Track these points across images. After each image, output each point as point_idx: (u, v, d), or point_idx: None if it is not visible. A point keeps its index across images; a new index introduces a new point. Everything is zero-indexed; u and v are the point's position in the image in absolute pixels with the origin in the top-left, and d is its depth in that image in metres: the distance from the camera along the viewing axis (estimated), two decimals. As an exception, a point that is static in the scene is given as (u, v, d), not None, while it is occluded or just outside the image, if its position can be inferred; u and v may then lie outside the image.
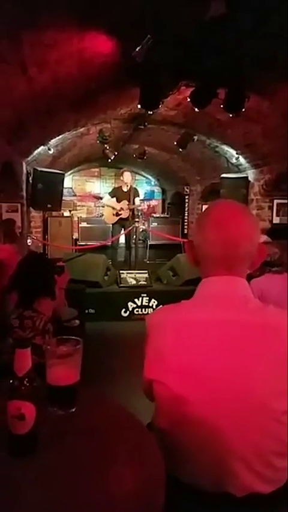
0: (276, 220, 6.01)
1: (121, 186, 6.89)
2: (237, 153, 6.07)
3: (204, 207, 8.13)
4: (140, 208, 7.18)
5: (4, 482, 0.86)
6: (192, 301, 1.08)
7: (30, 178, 6.00)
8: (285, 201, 5.95)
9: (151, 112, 4.27)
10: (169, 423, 1.01)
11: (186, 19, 2.79)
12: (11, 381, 0.92)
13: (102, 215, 8.79)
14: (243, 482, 0.95)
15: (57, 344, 1.18)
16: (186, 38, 3.03)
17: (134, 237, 6.95)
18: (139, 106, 4.07)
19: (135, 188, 6.93)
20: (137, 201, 6.85)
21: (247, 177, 6.23)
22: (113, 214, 6.84)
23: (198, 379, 0.96)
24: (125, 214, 6.77)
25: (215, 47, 3.21)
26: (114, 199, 6.80)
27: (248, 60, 3.38)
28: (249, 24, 2.88)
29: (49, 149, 5.65)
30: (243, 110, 3.98)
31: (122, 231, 6.94)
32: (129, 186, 6.79)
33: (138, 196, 6.96)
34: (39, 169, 6.07)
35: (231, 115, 4.14)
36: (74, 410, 1.12)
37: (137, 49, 2.91)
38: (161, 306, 5.29)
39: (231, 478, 0.95)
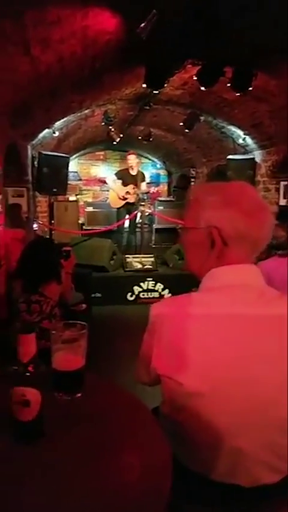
0: (282, 202, 5.90)
1: (128, 169, 6.80)
2: (244, 134, 5.93)
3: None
4: (149, 191, 7.12)
5: (10, 469, 0.86)
6: (205, 293, 1.01)
7: (36, 162, 5.94)
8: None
9: (156, 92, 4.17)
10: (181, 416, 0.98)
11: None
12: (15, 367, 0.91)
13: (107, 199, 8.74)
14: (254, 476, 0.95)
15: (63, 328, 1.17)
16: (192, 14, 2.92)
17: (140, 220, 6.90)
18: (144, 85, 3.98)
19: (141, 173, 6.85)
20: (144, 185, 6.77)
21: (254, 158, 6.10)
22: (119, 198, 6.77)
23: (214, 376, 0.92)
24: (131, 198, 6.70)
25: (221, 23, 3.10)
26: (120, 182, 6.71)
27: (255, 37, 3.26)
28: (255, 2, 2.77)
29: (54, 132, 5.56)
30: (251, 88, 3.86)
31: (128, 216, 6.89)
32: (136, 170, 6.70)
33: (144, 180, 6.88)
34: (44, 152, 6.00)
35: (238, 94, 4.03)
36: (80, 395, 1.12)
37: (141, 25, 2.81)
38: (168, 294, 5.29)
39: (243, 472, 0.95)
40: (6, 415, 0.92)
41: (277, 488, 0.96)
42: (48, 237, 7.21)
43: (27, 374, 0.90)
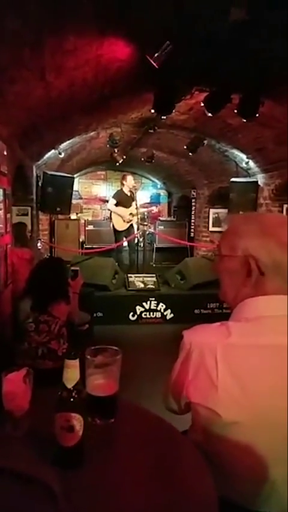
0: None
1: (123, 191, 6.94)
2: (247, 157, 6.07)
3: (212, 210, 8.12)
4: (151, 210, 7.22)
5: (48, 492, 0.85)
6: (244, 323, 1.00)
7: (40, 182, 6.02)
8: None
9: (164, 117, 4.28)
10: (216, 445, 0.98)
11: (205, 24, 2.80)
12: (59, 392, 0.92)
13: (109, 218, 8.83)
14: (285, 504, 0.95)
15: (95, 353, 1.18)
16: (204, 44, 3.03)
17: (142, 239, 6.97)
18: (152, 111, 4.08)
19: (132, 192, 6.98)
20: (134, 204, 6.90)
21: (257, 181, 6.23)
22: (124, 222, 6.88)
23: (252, 406, 0.93)
24: (135, 219, 6.81)
25: (231, 52, 3.22)
26: (121, 207, 6.83)
27: (263, 65, 3.38)
28: (266, 30, 2.89)
29: (60, 153, 5.66)
30: (257, 115, 3.98)
31: (131, 234, 6.96)
32: (132, 190, 6.85)
33: (135, 200, 6.99)
34: (49, 172, 6.09)
35: (244, 121, 4.14)
36: (113, 420, 1.12)
37: (155, 55, 2.91)
38: (171, 315, 5.26)
39: (277, 500, 0.96)
40: (46, 439, 0.92)
41: None
42: (49, 255, 7.24)
43: (71, 399, 0.91)
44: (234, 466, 0.97)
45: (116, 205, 6.84)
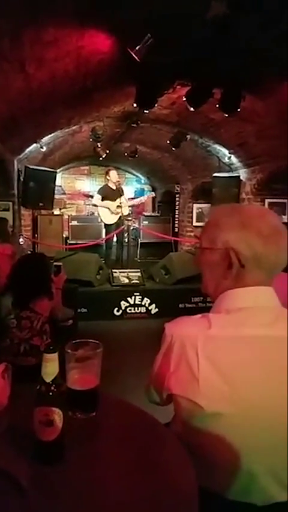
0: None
1: (108, 185, 6.90)
2: (229, 152, 6.10)
3: (196, 205, 8.15)
4: (140, 201, 7.24)
5: (35, 488, 0.84)
6: (224, 314, 1.00)
7: (22, 177, 5.93)
8: (277, 200, 6.02)
9: (147, 111, 4.26)
10: (196, 437, 0.98)
11: (187, 19, 2.79)
12: (38, 387, 0.91)
13: (93, 213, 8.75)
14: (268, 494, 0.96)
15: (76, 347, 1.16)
16: (185, 38, 3.02)
17: (126, 235, 6.95)
18: (135, 105, 4.06)
19: (120, 187, 6.96)
20: (123, 199, 6.88)
21: (239, 176, 6.27)
22: (112, 213, 6.84)
23: (233, 398, 0.93)
24: (124, 211, 6.76)
25: (213, 47, 3.21)
26: (107, 201, 6.80)
27: (246, 60, 3.39)
28: (248, 26, 2.90)
29: (41, 147, 5.58)
30: (239, 110, 3.99)
31: (116, 229, 6.94)
32: (116, 184, 6.82)
33: (123, 194, 6.97)
34: (30, 167, 6.00)
35: (226, 115, 4.15)
36: (94, 414, 1.12)
37: (137, 48, 2.89)
38: (156, 309, 5.26)
39: (258, 490, 0.96)
40: (26, 435, 0.91)
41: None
42: (31, 250, 7.16)
43: (50, 393, 0.90)
44: (215, 457, 0.97)
45: (102, 200, 6.80)
